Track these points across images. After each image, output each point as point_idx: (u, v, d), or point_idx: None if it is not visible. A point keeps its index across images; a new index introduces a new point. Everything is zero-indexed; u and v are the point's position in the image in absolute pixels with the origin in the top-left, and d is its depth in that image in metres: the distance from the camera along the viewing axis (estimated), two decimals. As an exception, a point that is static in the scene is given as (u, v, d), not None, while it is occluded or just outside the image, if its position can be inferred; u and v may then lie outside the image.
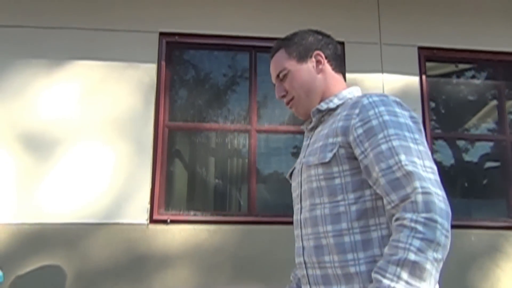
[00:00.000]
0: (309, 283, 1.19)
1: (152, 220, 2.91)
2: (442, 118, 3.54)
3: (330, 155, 1.15)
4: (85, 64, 3.07)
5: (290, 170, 1.38)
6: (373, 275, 0.98)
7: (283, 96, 1.32)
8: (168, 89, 3.20)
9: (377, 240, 1.10)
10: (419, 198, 0.99)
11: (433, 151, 3.35)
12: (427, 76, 3.42)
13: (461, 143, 3.54)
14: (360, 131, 1.10)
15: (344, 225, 1.12)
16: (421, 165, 1.04)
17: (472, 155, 3.53)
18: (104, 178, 2.92)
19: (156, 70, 3.13)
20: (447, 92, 3.58)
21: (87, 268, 2.78)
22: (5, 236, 2.76)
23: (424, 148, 1.09)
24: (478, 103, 3.57)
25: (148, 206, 2.92)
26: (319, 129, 1.27)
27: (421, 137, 1.11)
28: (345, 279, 1.11)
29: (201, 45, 3.32)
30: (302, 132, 3.31)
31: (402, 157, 1.04)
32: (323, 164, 1.16)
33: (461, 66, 3.61)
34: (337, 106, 1.26)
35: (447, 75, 3.59)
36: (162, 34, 3.20)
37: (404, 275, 0.94)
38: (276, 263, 2.88)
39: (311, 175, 1.20)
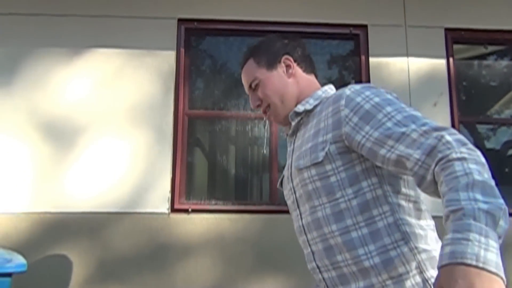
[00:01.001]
0: (327, 286, 1.18)
1: (174, 209, 2.89)
2: (470, 102, 3.40)
3: (322, 153, 1.14)
4: (104, 52, 3.05)
5: (280, 179, 1.36)
6: (447, 208, 0.86)
7: (258, 106, 1.31)
8: (187, 77, 3.16)
9: (385, 229, 1.09)
10: (449, 138, 0.94)
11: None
12: (455, 59, 3.28)
13: (489, 127, 3.41)
14: (355, 119, 1.09)
15: (348, 221, 1.11)
16: (433, 123, 1.01)
17: (500, 140, 3.40)
18: (125, 167, 2.91)
19: (175, 57, 3.09)
20: (475, 75, 3.44)
21: (110, 257, 2.78)
22: (28, 224, 2.77)
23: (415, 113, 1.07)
24: (508, 86, 3.42)
25: (169, 195, 2.90)
26: (302, 132, 1.26)
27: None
28: (362, 275, 1.10)
29: (220, 31, 3.26)
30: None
31: (412, 125, 1.01)
32: (316, 164, 1.15)
33: (491, 48, 3.46)
34: (314, 107, 1.25)
35: (476, 57, 3.45)
36: (180, 20, 3.15)
37: (479, 195, 0.84)
38: (298, 252, 2.83)
39: (305, 178, 1.18)
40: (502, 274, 0.76)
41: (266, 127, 3.18)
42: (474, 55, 3.44)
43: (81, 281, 2.75)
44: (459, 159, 0.90)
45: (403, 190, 1.13)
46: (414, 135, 0.99)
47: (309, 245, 1.20)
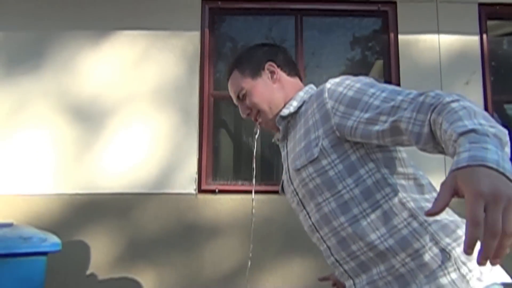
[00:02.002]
0: (350, 277, 1.20)
1: (201, 190, 2.91)
2: (504, 81, 3.28)
3: (316, 150, 1.16)
4: (129, 34, 3.04)
5: (280, 184, 1.37)
6: (456, 132, 0.81)
7: (248, 115, 1.33)
8: (212, 57, 3.13)
9: (391, 210, 1.11)
10: (436, 92, 0.95)
11: (493, 117, 3.14)
12: (488, 36, 3.16)
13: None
14: (342, 108, 1.11)
15: (355, 210, 1.13)
16: (415, 91, 1.01)
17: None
18: (152, 148, 2.93)
19: (199, 38, 3.06)
20: (510, 53, 3.31)
21: (139, 237, 2.83)
22: (60, 205, 2.84)
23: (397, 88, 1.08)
24: (544, 63, 3.29)
25: (196, 176, 2.92)
26: (292, 134, 1.28)
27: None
28: (380, 259, 1.12)
29: (244, 10, 3.21)
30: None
31: (399, 97, 1.02)
32: (312, 161, 1.17)
33: (526, 23, 3.31)
34: (299, 108, 1.27)
35: (511, 34, 3.31)
36: (204, 0, 3.11)
37: (483, 121, 0.82)
38: (326, 233, 2.83)
39: (304, 178, 1.20)
40: (505, 169, 0.73)
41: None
42: (509, 31, 3.30)
43: (111, 261, 2.81)
44: (453, 101, 0.89)
45: (400, 169, 1.15)
46: (404, 105, 0.99)
47: (324, 241, 1.22)
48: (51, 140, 2.92)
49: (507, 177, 0.72)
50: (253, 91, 1.30)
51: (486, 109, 3.04)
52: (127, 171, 2.90)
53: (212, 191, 2.91)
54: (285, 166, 1.31)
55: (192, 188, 2.89)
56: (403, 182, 1.14)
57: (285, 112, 1.28)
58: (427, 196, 1.16)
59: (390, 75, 3.08)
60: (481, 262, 0.69)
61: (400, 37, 3.08)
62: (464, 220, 1.08)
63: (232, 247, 2.83)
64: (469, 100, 0.90)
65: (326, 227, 1.19)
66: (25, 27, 3.02)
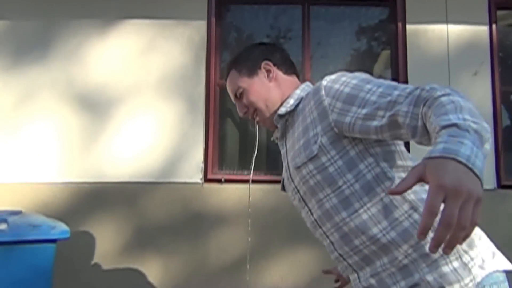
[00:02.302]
0: (355, 270, 1.22)
1: (207, 179, 2.92)
2: (512, 71, 3.26)
3: (315, 147, 1.17)
4: (135, 23, 3.04)
5: (281, 182, 1.39)
6: (439, 125, 0.85)
7: (246, 113, 1.34)
8: (218, 46, 3.12)
9: (392, 204, 1.13)
10: (432, 85, 0.96)
11: (501, 108, 3.12)
12: (498, 26, 3.12)
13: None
14: (339, 104, 1.12)
15: (356, 205, 1.14)
16: (412, 87, 1.03)
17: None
18: (158, 137, 2.94)
19: (206, 27, 3.05)
20: (519, 42, 3.28)
21: (145, 225, 2.85)
22: (68, 194, 2.86)
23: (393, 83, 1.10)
24: (554, 54, 3.25)
25: (202, 165, 2.93)
26: (290, 132, 1.29)
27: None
28: (383, 251, 1.13)
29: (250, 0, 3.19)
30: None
31: (395, 92, 1.04)
32: (312, 158, 1.18)
33: (537, 13, 3.27)
34: (296, 106, 1.28)
35: (521, 23, 3.28)
36: (211, -12, 3.10)
37: (468, 117, 0.85)
38: (331, 223, 2.84)
39: (304, 175, 1.21)
40: (482, 181, 0.77)
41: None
42: (519, 21, 3.27)
43: (118, 248, 2.84)
44: (443, 95, 0.92)
45: (399, 162, 1.17)
46: (401, 99, 1.01)
47: (327, 237, 1.23)
48: (58, 129, 2.94)
49: (475, 173, 0.75)
50: (250, 90, 1.32)
51: (494, 100, 3.02)
52: (133, 160, 2.91)
53: (218, 181, 2.92)
54: (285, 164, 1.33)
55: (198, 178, 2.91)
56: (402, 174, 1.15)
57: (282, 110, 1.29)
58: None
59: (398, 66, 3.06)
60: (432, 249, 0.73)
61: (408, 27, 3.06)
62: None
63: (237, 236, 2.85)
64: (460, 95, 0.92)
65: (329, 223, 1.20)
66: (31, 16, 3.02)
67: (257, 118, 1.34)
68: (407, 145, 2.82)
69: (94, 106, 2.95)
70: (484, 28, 3.06)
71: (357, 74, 1.18)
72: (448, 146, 0.78)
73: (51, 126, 2.94)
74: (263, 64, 1.33)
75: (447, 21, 3.05)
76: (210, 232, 2.85)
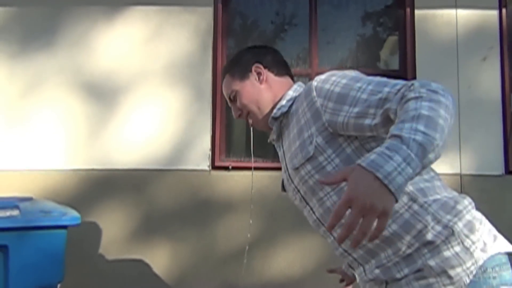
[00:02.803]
0: (360, 264, 1.24)
1: (214, 167, 2.94)
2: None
3: (311, 147, 1.19)
4: (142, 10, 3.03)
5: (281, 183, 1.41)
6: (392, 133, 0.94)
7: (240, 115, 1.38)
8: (225, 33, 3.11)
9: None
10: (416, 83, 1.01)
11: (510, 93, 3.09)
12: (508, 10, 3.08)
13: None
14: (331, 104, 1.15)
15: None
16: (403, 81, 1.07)
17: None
18: (166, 125, 2.95)
19: (212, 13, 3.04)
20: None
21: (153, 212, 2.87)
22: (77, 181, 2.88)
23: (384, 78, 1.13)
24: None
25: (209, 152, 2.94)
26: (286, 133, 1.31)
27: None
28: (386, 244, 1.16)
29: (258, -15, 3.17)
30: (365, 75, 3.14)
31: (385, 89, 1.07)
32: (309, 159, 1.20)
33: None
34: (289, 107, 1.30)
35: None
36: (217, -25, 3.07)
37: (421, 127, 0.92)
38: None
39: (303, 176, 1.24)
40: (398, 196, 0.87)
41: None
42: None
43: (127, 235, 2.87)
44: (415, 97, 0.97)
45: None
46: (391, 96, 1.04)
47: (331, 234, 1.26)
48: (67, 116, 2.95)
49: (389, 189, 0.86)
50: (242, 92, 1.35)
51: (503, 85, 2.99)
52: (141, 148, 2.92)
53: (226, 168, 2.93)
54: (283, 165, 1.35)
55: (205, 165, 2.92)
56: None
57: (276, 113, 1.31)
58: (425, 176, 1.19)
59: (406, 52, 3.03)
60: (337, 241, 0.88)
61: (416, 12, 3.02)
62: (462, 195, 1.21)
63: (244, 223, 2.86)
64: (433, 97, 0.96)
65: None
66: (38, 3, 3.01)
67: (251, 121, 1.38)
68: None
69: (101, 94, 2.96)
70: (494, 13, 3.02)
71: (347, 72, 1.20)
72: (376, 159, 0.88)
73: (59, 113, 2.95)
74: (253, 67, 1.36)
75: (456, 6, 3.01)
76: (218, 219, 2.87)
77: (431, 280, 1.11)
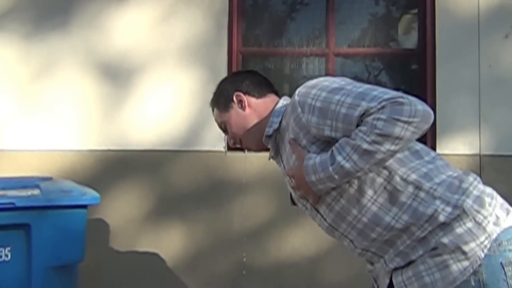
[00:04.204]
0: (380, 256, 1.27)
1: (230, 148, 2.92)
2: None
3: None
4: (156, -11, 2.98)
5: (289, 197, 1.46)
6: (333, 148, 1.17)
7: (235, 143, 1.46)
8: (240, 13, 3.06)
9: (396, 189, 1.19)
10: (386, 109, 1.10)
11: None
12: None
13: None
14: (314, 119, 1.21)
15: (364, 200, 1.21)
16: (381, 91, 1.15)
17: None
18: (181, 105, 2.93)
19: (227, -8, 2.99)
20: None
21: (169, 193, 2.88)
22: (93, 161, 2.90)
23: (367, 85, 1.21)
24: None
25: (225, 133, 2.92)
26: (282, 148, 1.36)
27: (357, 82, 1.24)
28: (401, 231, 1.20)
29: (273, -38, 3.10)
30: (384, 55, 3.10)
31: (363, 103, 1.13)
32: None
33: None
34: (280, 123, 1.34)
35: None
36: (232, -48, 3.01)
37: (355, 157, 1.13)
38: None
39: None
40: (310, 184, 1.23)
41: (322, 64, 3.09)
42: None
43: (144, 215, 2.89)
44: (371, 124, 1.11)
45: None
46: (369, 110, 1.12)
47: (345, 237, 1.30)
48: (82, 96, 2.94)
49: (307, 179, 1.23)
50: (229, 122, 1.42)
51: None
52: (156, 128, 2.92)
53: (241, 149, 2.90)
54: (286, 180, 1.39)
55: (221, 146, 2.91)
56: (399, 155, 1.20)
57: (269, 131, 1.35)
58: (426, 158, 1.24)
59: (425, 30, 2.96)
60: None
61: (438, -8, 2.94)
62: (466, 172, 1.26)
63: (260, 204, 2.87)
64: (391, 130, 1.09)
65: (343, 223, 1.27)
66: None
67: (245, 146, 1.45)
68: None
69: (116, 74, 2.94)
70: (518, -10, 2.93)
71: (326, 83, 1.23)
72: (308, 167, 1.22)
73: (74, 93, 2.94)
74: (234, 96, 1.41)
75: (477, -17, 2.93)
76: (233, 200, 2.88)
77: (446, 256, 1.14)
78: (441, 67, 2.88)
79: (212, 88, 2.89)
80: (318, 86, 1.23)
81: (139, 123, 2.93)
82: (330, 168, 1.15)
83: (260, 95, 1.42)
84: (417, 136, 1.13)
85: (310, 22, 3.13)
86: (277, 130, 1.35)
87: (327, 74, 3.03)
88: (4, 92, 2.94)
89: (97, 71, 2.96)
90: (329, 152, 1.18)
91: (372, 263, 1.33)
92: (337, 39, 3.06)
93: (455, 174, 1.23)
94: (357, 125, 1.15)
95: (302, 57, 3.10)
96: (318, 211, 1.32)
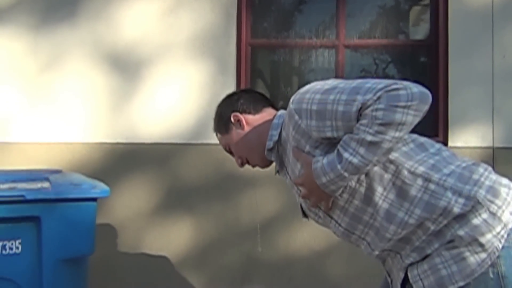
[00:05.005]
0: (397, 252, 1.26)
1: (239, 141, 2.91)
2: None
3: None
4: (164, -20, 2.96)
5: (300, 209, 1.45)
6: (339, 146, 1.16)
7: (242, 163, 1.47)
8: (249, 4, 3.02)
9: (405, 183, 1.18)
10: (383, 98, 1.10)
11: None
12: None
13: None
14: (314, 122, 1.21)
15: (375, 198, 1.20)
16: (373, 82, 1.15)
17: None
18: (189, 98, 2.92)
19: (236, -18, 2.96)
20: None
21: (178, 186, 2.88)
22: (102, 154, 2.89)
23: (359, 80, 1.21)
24: None
25: (234, 126, 2.90)
26: (286, 160, 1.36)
27: (348, 80, 1.25)
28: (416, 227, 1.19)
29: (283, -48, 3.07)
30: (395, 46, 3.06)
31: (358, 97, 1.13)
32: None
33: None
34: (279, 135, 1.35)
35: None
36: None
37: (361, 150, 1.12)
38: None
39: None
40: (323, 187, 1.21)
41: (332, 56, 3.05)
42: None
43: (153, 208, 2.89)
44: (371, 116, 1.10)
45: None
46: (363, 106, 1.12)
47: (363, 239, 1.29)
48: (91, 89, 2.93)
49: (317, 182, 1.21)
50: (232, 143, 1.44)
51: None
52: (165, 121, 2.91)
53: (251, 141, 2.90)
54: (294, 191, 1.38)
55: (230, 139, 2.89)
56: (404, 149, 1.21)
57: (269, 144, 1.36)
58: (431, 150, 1.24)
59: (437, 19, 2.91)
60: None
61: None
62: (476, 163, 1.25)
63: (269, 197, 2.85)
64: (392, 117, 1.09)
65: (360, 225, 1.26)
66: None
67: (252, 164, 1.46)
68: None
69: (125, 66, 2.93)
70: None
71: (319, 86, 1.23)
72: (317, 169, 1.20)
73: (82, 86, 2.93)
74: (232, 118, 1.42)
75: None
76: (243, 193, 2.86)
77: (463, 249, 1.15)
78: (454, 58, 2.84)
79: (221, 80, 2.92)
80: (311, 90, 1.24)
81: (147, 116, 2.91)
82: (339, 166, 1.14)
83: (256, 111, 1.43)
84: (418, 119, 1.12)
85: (319, 13, 3.10)
86: (279, 142, 1.35)
87: (336, 66, 3.00)
88: (12, 85, 2.94)
89: (105, 63, 2.94)
90: (335, 151, 1.17)
91: (384, 260, 1.32)
92: (347, 30, 3.03)
93: (464, 164, 1.22)
94: (357, 120, 1.14)
95: (312, 49, 3.06)
96: (331, 217, 1.31)
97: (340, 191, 1.21)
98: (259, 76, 3.14)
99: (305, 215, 1.44)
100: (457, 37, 2.84)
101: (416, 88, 1.11)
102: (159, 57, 2.93)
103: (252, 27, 3.04)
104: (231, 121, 1.43)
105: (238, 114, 1.42)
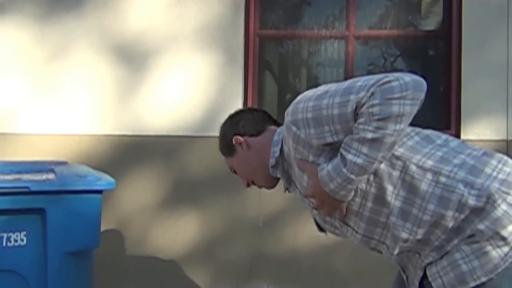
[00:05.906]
0: (415, 253, 1.23)
1: (246, 133, 2.87)
2: None
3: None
4: (171, -30, 2.92)
5: (315, 223, 1.43)
6: (341, 150, 1.15)
7: (248, 184, 1.47)
8: (258, -7, 2.98)
9: (415, 179, 1.16)
10: (377, 94, 1.09)
11: None
12: None
13: None
14: (312, 130, 1.19)
15: (387, 197, 1.18)
16: (364, 79, 1.14)
17: None
18: (196, 90, 2.89)
19: (244, -28, 2.91)
20: None
21: (184, 179, 2.85)
22: (108, 146, 2.87)
23: (349, 80, 1.20)
24: None
25: (241, 118, 2.87)
26: (292, 175, 1.35)
27: (340, 82, 1.23)
28: (433, 227, 1.16)
29: None
30: (407, 37, 2.99)
31: (351, 97, 1.12)
32: None
33: None
34: (281, 151, 1.34)
35: None
36: None
37: (364, 149, 1.10)
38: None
39: None
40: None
41: (342, 47, 2.99)
42: None
43: (159, 201, 2.87)
44: (367, 113, 1.09)
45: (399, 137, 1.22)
46: (358, 105, 1.11)
47: (383, 242, 1.26)
48: (98, 80, 2.91)
49: (325, 189, 1.19)
50: (237, 166, 1.44)
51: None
52: (171, 113, 2.88)
53: (258, 134, 2.86)
54: (306, 204, 1.36)
55: (237, 131, 2.86)
56: (409, 143, 1.19)
57: (272, 161, 1.35)
58: (438, 141, 1.21)
59: (451, 10, 2.85)
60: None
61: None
62: (490, 152, 1.22)
63: (276, 191, 2.79)
64: (389, 110, 1.06)
65: (377, 228, 1.23)
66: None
67: (258, 185, 1.45)
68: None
69: (131, 57, 2.90)
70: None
71: (310, 94, 1.22)
72: (324, 177, 1.18)
73: (89, 77, 2.91)
74: (234, 141, 1.41)
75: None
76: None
77: (484, 243, 1.10)
78: (467, 49, 2.77)
79: (229, 72, 2.88)
80: (303, 99, 1.23)
81: (154, 108, 2.89)
82: (345, 170, 1.13)
83: (258, 132, 1.42)
84: (417, 107, 1.10)
85: (329, 4, 3.04)
86: (282, 157, 1.34)
87: (346, 58, 2.95)
88: (18, 76, 2.93)
89: (112, 54, 2.92)
90: (339, 155, 1.15)
91: (409, 261, 1.28)
92: (357, 21, 2.97)
93: (475, 153, 1.19)
94: (355, 120, 1.13)
95: (321, 40, 3.01)
96: (348, 225, 1.28)
97: (351, 195, 1.19)
98: (267, 67, 3.10)
99: (321, 229, 1.42)
100: (471, 28, 2.78)
101: (408, 77, 1.09)
102: (166, 48, 2.90)
103: (260, 18, 3.00)
104: (233, 144, 1.42)
105: (239, 137, 1.41)
